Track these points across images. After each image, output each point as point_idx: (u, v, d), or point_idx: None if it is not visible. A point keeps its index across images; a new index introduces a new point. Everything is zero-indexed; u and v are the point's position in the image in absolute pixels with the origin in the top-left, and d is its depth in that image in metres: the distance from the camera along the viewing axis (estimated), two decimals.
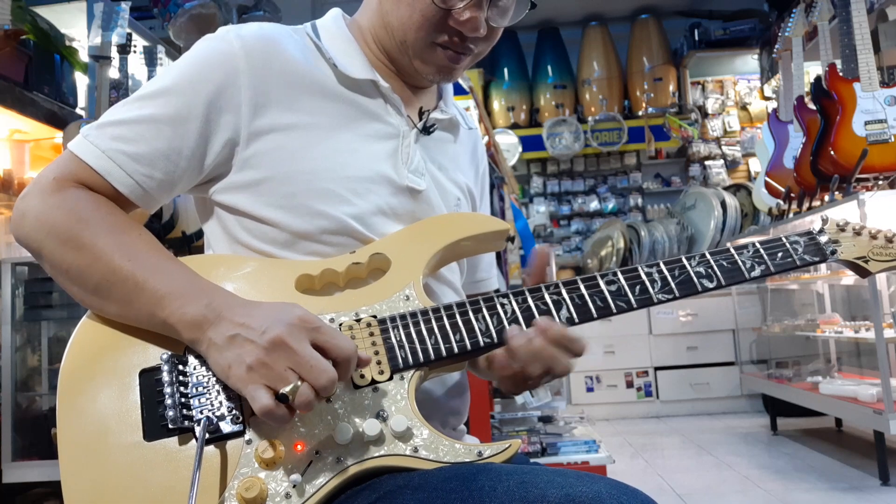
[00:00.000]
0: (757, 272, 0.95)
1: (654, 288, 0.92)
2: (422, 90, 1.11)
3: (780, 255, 0.96)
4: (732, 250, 0.95)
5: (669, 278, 0.93)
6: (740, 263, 0.94)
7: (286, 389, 0.75)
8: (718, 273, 0.93)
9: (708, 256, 0.94)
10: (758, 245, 0.96)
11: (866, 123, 3.16)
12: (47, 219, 0.87)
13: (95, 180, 0.91)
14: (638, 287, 0.92)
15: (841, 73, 3.30)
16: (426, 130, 1.06)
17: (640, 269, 0.93)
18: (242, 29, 0.97)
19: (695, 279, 0.93)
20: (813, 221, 3.52)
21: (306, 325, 0.78)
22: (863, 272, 0.99)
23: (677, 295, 0.92)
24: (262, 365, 0.76)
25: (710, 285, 0.93)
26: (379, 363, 0.85)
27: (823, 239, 0.98)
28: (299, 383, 0.75)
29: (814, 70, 4.85)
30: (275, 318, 0.78)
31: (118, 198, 0.92)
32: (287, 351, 0.76)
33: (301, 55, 1.00)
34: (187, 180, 0.96)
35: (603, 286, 0.92)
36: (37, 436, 2.54)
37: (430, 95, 1.13)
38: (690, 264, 0.94)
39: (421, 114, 1.07)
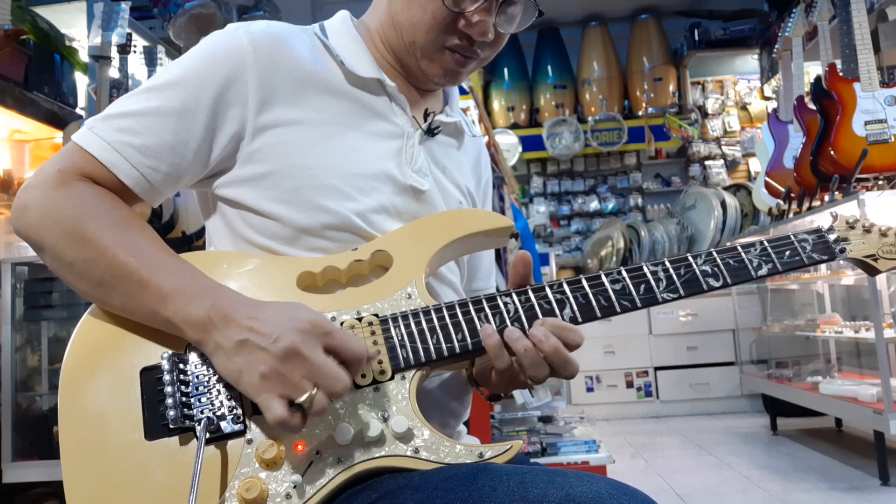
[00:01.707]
0: (764, 271, 0.93)
1: (658, 287, 0.91)
2: (428, 93, 1.11)
3: (787, 253, 0.94)
4: (739, 248, 0.93)
5: (675, 277, 0.91)
6: (747, 262, 0.93)
7: (302, 399, 0.75)
8: (725, 272, 0.92)
9: (714, 255, 0.93)
10: (765, 243, 0.94)
11: (866, 123, 3.16)
12: (51, 211, 0.86)
13: (100, 172, 0.90)
14: (643, 286, 0.91)
15: (841, 73, 3.30)
16: (430, 132, 1.06)
17: (644, 267, 0.92)
18: (251, 25, 0.98)
19: (700, 278, 0.91)
20: (813, 221, 3.52)
21: (318, 331, 0.78)
22: (872, 270, 0.97)
23: (682, 294, 0.91)
24: (277, 374, 0.76)
25: (717, 284, 0.92)
26: (380, 362, 0.85)
27: (832, 237, 0.96)
28: (314, 392, 0.75)
29: (814, 70, 4.86)
30: (285, 323, 0.78)
31: (123, 191, 0.92)
32: (301, 360, 0.76)
33: (309, 53, 1.00)
34: (192, 174, 0.96)
35: (607, 285, 0.91)
36: (37, 436, 2.54)
37: (437, 99, 1.13)
38: (696, 263, 0.92)
39: (426, 116, 1.07)
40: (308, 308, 0.81)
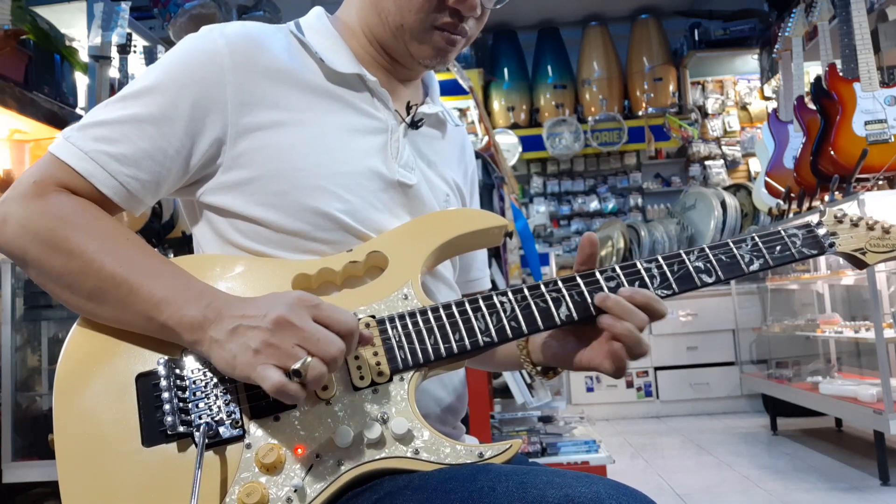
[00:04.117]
0: (756, 266, 0.93)
1: (653, 283, 0.91)
2: (409, 85, 1.10)
3: (778, 248, 0.95)
4: (731, 244, 0.94)
5: (668, 273, 0.92)
6: (739, 257, 0.93)
7: (297, 365, 0.74)
8: (717, 267, 0.93)
9: (707, 251, 0.93)
10: (756, 238, 0.95)
11: (866, 123, 3.17)
12: (31, 224, 0.85)
13: (78, 183, 0.89)
14: (637, 283, 0.91)
15: (841, 73, 3.30)
16: (414, 125, 1.06)
17: (638, 264, 0.92)
18: (226, 27, 0.96)
19: (693, 274, 0.92)
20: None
21: (306, 303, 0.78)
22: (860, 264, 0.98)
23: (676, 290, 0.92)
24: (269, 346, 0.76)
25: (709, 280, 0.92)
26: (378, 364, 0.85)
27: (822, 231, 0.97)
28: (309, 359, 0.75)
29: (814, 70, 4.86)
30: (274, 301, 0.78)
31: (102, 200, 0.90)
32: (292, 328, 0.76)
33: (286, 52, 0.99)
34: (172, 181, 0.95)
35: (602, 282, 0.91)
36: (37, 436, 2.54)
37: (417, 91, 1.12)
38: (689, 259, 0.93)
39: (409, 108, 1.06)
40: (298, 290, 0.81)
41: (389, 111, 1.03)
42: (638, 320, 0.88)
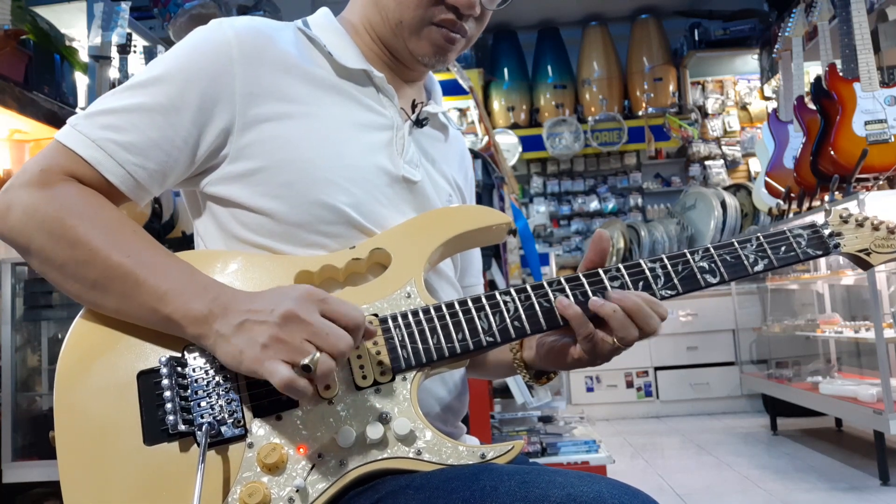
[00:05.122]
0: (760, 266, 0.93)
1: (657, 284, 0.91)
2: (413, 86, 1.11)
3: (783, 248, 0.94)
4: (736, 244, 0.94)
5: (672, 274, 0.92)
6: (743, 258, 0.93)
7: (307, 360, 0.73)
8: (722, 268, 0.92)
9: (712, 251, 0.93)
10: (761, 239, 0.95)
11: (866, 123, 3.17)
12: (37, 213, 0.84)
13: (85, 171, 0.89)
14: (641, 283, 0.91)
15: (841, 73, 3.30)
16: (419, 123, 1.06)
17: (643, 263, 0.92)
18: (235, 21, 0.97)
19: (698, 275, 0.92)
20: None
21: (314, 297, 0.78)
22: (864, 265, 0.98)
23: (681, 291, 0.91)
24: (277, 340, 0.75)
25: (714, 281, 0.92)
26: (381, 363, 0.85)
27: (827, 232, 0.97)
28: (318, 354, 0.74)
29: (814, 70, 4.85)
30: (281, 296, 0.78)
31: (109, 189, 0.90)
32: (300, 323, 0.76)
33: (294, 47, 1.00)
34: (179, 171, 0.94)
35: (606, 282, 0.91)
36: (37, 436, 2.54)
37: (420, 94, 1.13)
38: (694, 259, 0.92)
39: (413, 107, 1.07)
40: (305, 284, 0.81)
41: (395, 108, 1.04)
42: (654, 320, 0.89)
